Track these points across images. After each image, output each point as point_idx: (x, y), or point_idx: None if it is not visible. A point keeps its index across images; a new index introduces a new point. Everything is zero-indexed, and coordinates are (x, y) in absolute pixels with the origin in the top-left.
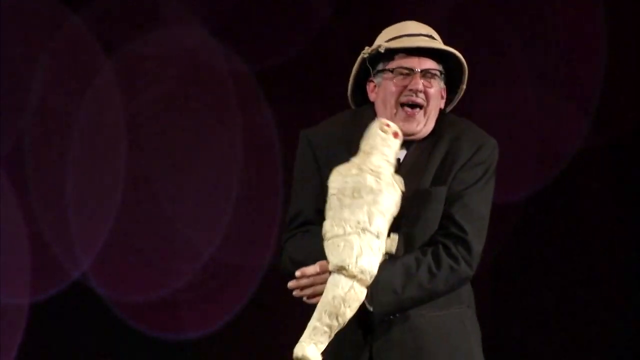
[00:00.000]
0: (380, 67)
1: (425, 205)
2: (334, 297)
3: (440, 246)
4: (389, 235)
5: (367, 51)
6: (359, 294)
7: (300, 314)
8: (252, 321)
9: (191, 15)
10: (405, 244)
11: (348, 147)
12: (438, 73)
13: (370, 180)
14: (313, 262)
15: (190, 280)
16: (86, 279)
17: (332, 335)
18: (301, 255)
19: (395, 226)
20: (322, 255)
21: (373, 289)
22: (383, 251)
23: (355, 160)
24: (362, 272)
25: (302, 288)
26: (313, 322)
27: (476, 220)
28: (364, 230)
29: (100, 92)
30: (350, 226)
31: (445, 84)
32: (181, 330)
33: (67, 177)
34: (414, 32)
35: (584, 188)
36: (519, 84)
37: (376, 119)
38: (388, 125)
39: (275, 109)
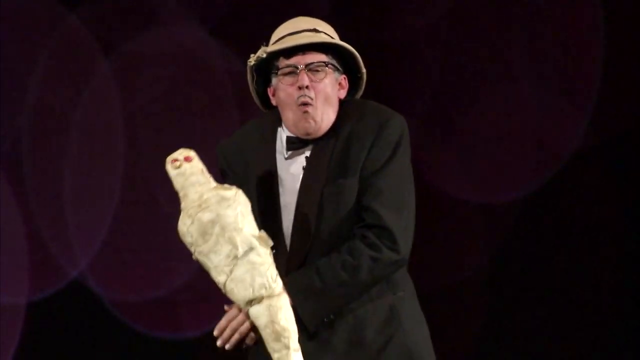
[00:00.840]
0: (272, 70)
1: (338, 200)
2: (265, 326)
3: (357, 238)
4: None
5: (252, 59)
6: (281, 303)
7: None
8: None
9: (189, 15)
10: (326, 242)
11: (253, 154)
12: (323, 65)
13: (204, 217)
14: None
15: (187, 280)
16: (84, 278)
17: (293, 345)
18: None
19: (314, 228)
20: None
21: (295, 299)
22: (266, 252)
23: (182, 210)
24: (265, 288)
25: (229, 341)
26: (273, 356)
27: (391, 202)
28: (236, 257)
29: (98, 92)
30: (225, 266)
31: (347, 72)
32: (179, 329)
33: (64, 177)
34: (296, 29)
35: (581, 188)
36: (516, 83)
37: (166, 163)
38: (176, 160)
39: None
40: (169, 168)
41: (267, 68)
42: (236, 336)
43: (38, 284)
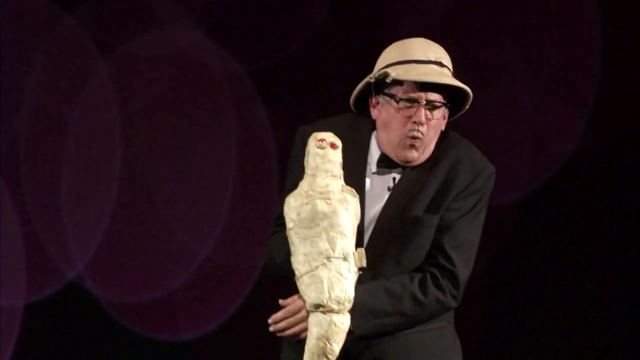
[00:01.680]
0: (386, 89)
1: (416, 231)
2: (318, 338)
3: (429, 275)
4: (356, 248)
5: (373, 76)
6: (342, 326)
7: None
8: (247, 322)
9: (185, 16)
10: (394, 268)
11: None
12: (443, 105)
13: (321, 205)
14: (291, 268)
15: (184, 281)
16: (81, 279)
17: None
18: (280, 258)
19: (384, 250)
20: None
21: (355, 313)
22: (354, 269)
23: (302, 186)
24: (338, 303)
25: (283, 329)
26: None
27: (465, 250)
28: (328, 258)
29: (94, 93)
30: (314, 259)
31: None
32: (176, 331)
33: (62, 178)
34: (422, 57)
35: (578, 189)
36: (515, 84)
37: (311, 136)
38: (323, 140)
39: (270, 109)
40: (312, 143)
41: (377, 81)
42: (290, 331)
43: (35, 285)
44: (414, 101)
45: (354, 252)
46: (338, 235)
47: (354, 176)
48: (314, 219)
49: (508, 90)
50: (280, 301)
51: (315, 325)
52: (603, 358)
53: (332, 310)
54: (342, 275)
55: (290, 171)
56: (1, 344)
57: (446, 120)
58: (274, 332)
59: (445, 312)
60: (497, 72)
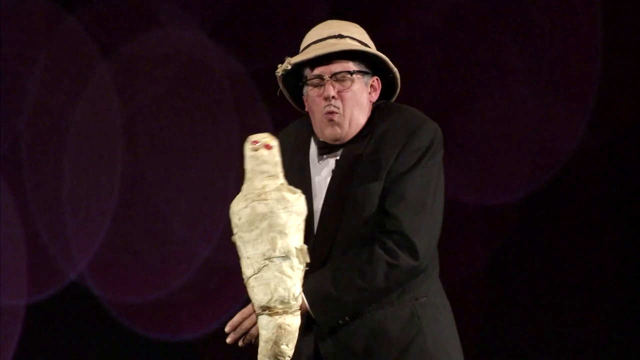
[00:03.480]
0: (303, 79)
1: (361, 204)
2: (266, 341)
3: (376, 243)
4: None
5: (279, 69)
6: (289, 327)
7: None
8: None
9: (187, 16)
10: (347, 246)
11: (291, 155)
12: (349, 74)
13: (258, 207)
14: None
15: (186, 281)
16: (83, 279)
17: None
18: None
19: (335, 233)
20: None
21: (311, 302)
22: (299, 266)
23: (242, 190)
24: (282, 302)
25: (240, 338)
26: None
27: (412, 207)
28: (270, 259)
29: (96, 93)
30: (257, 262)
31: (379, 73)
32: (177, 331)
33: (63, 178)
34: (320, 36)
35: (580, 189)
36: (515, 85)
37: (246, 140)
38: (256, 142)
39: (272, 110)
40: (247, 146)
41: (298, 76)
42: (247, 337)
43: (37, 285)
44: (319, 77)
45: (297, 249)
46: (278, 235)
47: (298, 171)
48: (254, 222)
49: (509, 91)
50: (229, 324)
51: (264, 328)
52: (604, 357)
53: (277, 312)
54: (284, 274)
55: None
56: (3, 343)
57: (377, 91)
58: (232, 343)
59: (410, 276)
60: (499, 72)
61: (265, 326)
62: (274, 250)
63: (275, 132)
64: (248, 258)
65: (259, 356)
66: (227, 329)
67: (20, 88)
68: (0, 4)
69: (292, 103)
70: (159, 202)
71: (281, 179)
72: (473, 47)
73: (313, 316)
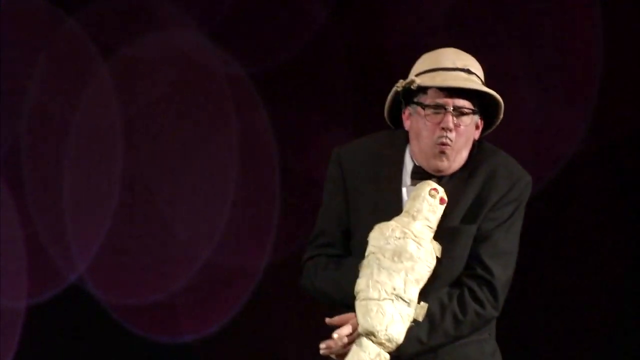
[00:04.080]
0: (415, 98)
1: (454, 243)
2: None
3: (466, 290)
4: (419, 302)
5: (400, 85)
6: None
7: (296, 317)
8: (249, 324)
9: (187, 19)
10: (432, 282)
11: (378, 170)
12: (471, 112)
13: (411, 246)
14: (340, 296)
15: (186, 283)
16: (83, 281)
17: None
18: (326, 284)
19: None
20: (349, 290)
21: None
22: (411, 319)
23: (399, 220)
24: (389, 340)
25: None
26: None
27: (503, 259)
28: (397, 297)
29: (96, 95)
30: (385, 291)
31: (481, 113)
32: (178, 333)
33: (63, 180)
34: (450, 65)
35: (580, 191)
36: (515, 87)
37: (424, 182)
38: (436, 190)
39: (272, 112)
40: (425, 188)
41: (406, 91)
42: (342, 351)
43: (37, 287)
44: (441, 107)
45: (419, 306)
46: (413, 281)
47: (390, 190)
48: (401, 256)
49: (509, 93)
50: (327, 320)
51: (362, 350)
52: (602, 356)
53: (381, 344)
54: (402, 318)
55: (327, 193)
56: (3, 345)
57: (480, 130)
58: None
59: (487, 323)
60: (499, 75)
61: (366, 349)
62: (405, 292)
63: (276, 134)
64: (378, 282)
65: None
66: (335, 335)
67: (20, 90)
68: (1, 6)
69: (386, 116)
70: (159, 203)
71: (432, 234)
72: (473, 50)
73: (397, 352)
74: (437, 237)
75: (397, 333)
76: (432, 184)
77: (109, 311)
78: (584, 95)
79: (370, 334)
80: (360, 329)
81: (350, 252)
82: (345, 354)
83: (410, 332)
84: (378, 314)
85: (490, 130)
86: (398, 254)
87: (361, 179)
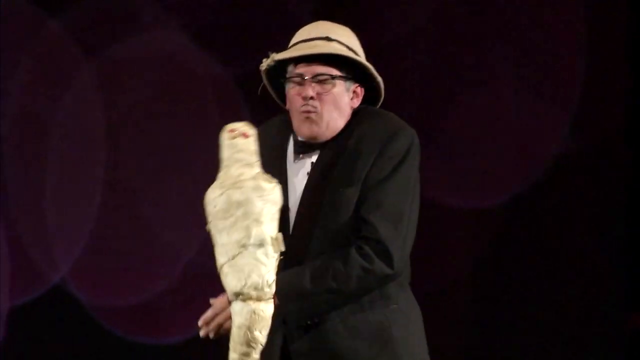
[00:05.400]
0: (286, 76)
1: (337, 208)
2: (239, 327)
3: (353, 247)
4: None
5: (263, 64)
6: (263, 313)
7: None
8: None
9: (171, 20)
10: (321, 250)
11: (268, 151)
12: (330, 77)
13: (233, 195)
14: None
15: (169, 284)
16: (65, 283)
17: (255, 356)
18: None
19: (310, 233)
20: None
21: (280, 297)
22: (273, 254)
23: (218, 178)
24: (256, 289)
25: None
26: (231, 355)
27: (390, 215)
28: (244, 246)
29: (79, 96)
30: (231, 249)
31: (363, 79)
32: (161, 334)
33: (46, 181)
34: (308, 36)
35: (564, 191)
36: (500, 88)
37: (223, 128)
38: (233, 130)
39: (255, 112)
40: (224, 135)
41: (283, 73)
42: (221, 331)
43: (20, 289)
44: (300, 76)
45: (271, 237)
46: (253, 223)
47: (275, 166)
48: (229, 209)
49: (493, 94)
50: (211, 300)
51: (237, 314)
52: (588, 358)
53: (250, 298)
54: (259, 261)
55: None
56: None
57: (359, 97)
58: (205, 337)
59: (382, 282)
60: (482, 75)
61: (239, 312)
62: (249, 238)
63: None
64: (222, 245)
65: (231, 343)
66: (200, 322)
67: (3, 90)
68: None
69: (275, 98)
70: (142, 205)
71: (257, 168)
72: (457, 50)
73: (283, 312)
74: (322, 205)
75: (259, 276)
76: (228, 126)
77: (91, 312)
78: (567, 98)
79: (237, 295)
80: (229, 296)
81: None
82: (229, 330)
83: (290, 284)
84: (235, 273)
85: (380, 101)
86: (226, 210)
87: (263, 159)
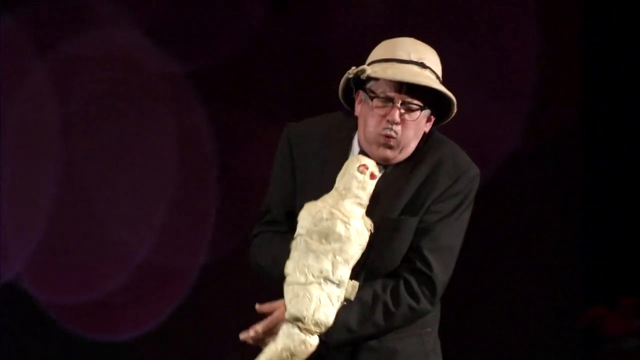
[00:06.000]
0: (367, 84)
1: (394, 234)
2: (283, 349)
3: (402, 282)
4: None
5: (352, 72)
6: (310, 347)
7: (233, 315)
8: (186, 322)
9: (125, 16)
10: (369, 273)
11: (325, 151)
12: (419, 108)
13: (339, 227)
14: (278, 273)
15: (124, 282)
16: (19, 280)
17: None
18: (266, 261)
19: (362, 253)
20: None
21: (330, 328)
22: (342, 299)
23: (327, 200)
24: (317, 324)
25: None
26: None
27: (444, 254)
28: (325, 279)
29: (33, 93)
30: (312, 274)
31: (433, 107)
32: (115, 331)
33: (0, 179)
34: (404, 57)
35: (517, 189)
36: (452, 86)
37: (353, 156)
38: (365, 167)
39: (210, 111)
40: (353, 165)
41: (358, 75)
42: (259, 342)
43: None
44: (389, 100)
45: (348, 283)
46: (342, 262)
47: (334, 172)
48: (328, 237)
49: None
50: (257, 306)
51: (287, 337)
52: (540, 356)
53: (308, 330)
54: (330, 300)
55: (275, 169)
56: None
57: (431, 122)
58: (253, 342)
59: (421, 317)
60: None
61: (289, 335)
62: (333, 274)
63: (214, 132)
64: (305, 265)
65: (267, 354)
66: (251, 334)
67: None
68: None
69: (340, 98)
70: (95, 202)
71: (364, 210)
72: None
73: (325, 338)
74: (377, 228)
75: (325, 316)
76: (362, 159)
77: (45, 310)
78: (521, 94)
79: (297, 320)
80: (287, 315)
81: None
82: (269, 342)
83: (339, 318)
84: (305, 299)
85: (443, 123)
86: (325, 236)
87: (309, 158)
